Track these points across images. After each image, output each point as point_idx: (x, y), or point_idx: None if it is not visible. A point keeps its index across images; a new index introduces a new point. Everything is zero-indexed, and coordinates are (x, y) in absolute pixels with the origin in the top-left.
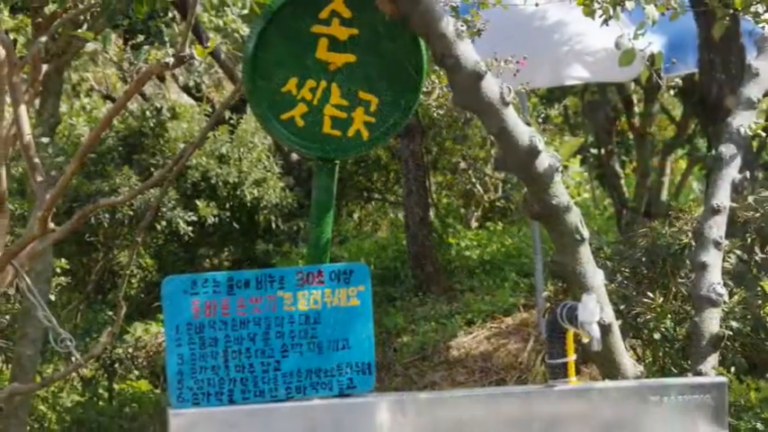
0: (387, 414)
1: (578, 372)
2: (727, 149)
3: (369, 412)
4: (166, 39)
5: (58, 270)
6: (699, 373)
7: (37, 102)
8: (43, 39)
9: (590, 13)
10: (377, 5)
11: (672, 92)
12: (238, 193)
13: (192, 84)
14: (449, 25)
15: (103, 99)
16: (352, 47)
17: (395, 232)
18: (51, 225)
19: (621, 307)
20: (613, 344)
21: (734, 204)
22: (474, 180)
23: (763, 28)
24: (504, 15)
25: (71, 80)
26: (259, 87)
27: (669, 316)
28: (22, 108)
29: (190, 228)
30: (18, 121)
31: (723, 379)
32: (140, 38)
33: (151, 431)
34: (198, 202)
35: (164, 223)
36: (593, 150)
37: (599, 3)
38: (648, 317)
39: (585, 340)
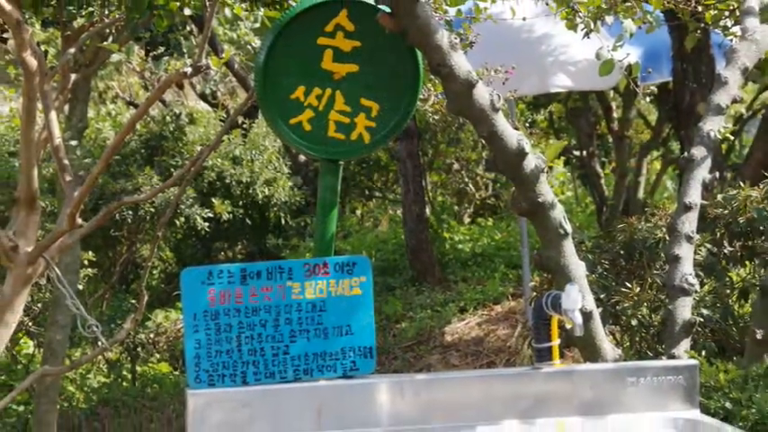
0: (387, 394)
1: (562, 355)
2: (698, 151)
3: (370, 392)
4: (185, 50)
5: (86, 262)
6: (672, 357)
7: (66, 108)
8: (72, 50)
9: (573, 26)
10: (378, 20)
11: (648, 99)
12: (251, 191)
13: (208, 91)
14: (443, 38)
15: (127, 105)
16: (354, 58)
17: (394, 227)
18: (79, 221)
19: (602, 296)
20: (594, 329)
21: (704, 202)
22: (466, 179)
23: (731, 40)
24: (494, 29)
25: (98, 88)
26: (269, 95)
27: (645, 304)
28: (53, 114)
29: (206, 223)
30: (49, 125)
31: (695, 362)
32: (161, 49)
33: (171, 410)
34: (214, 200)
35: (182, 219)
36: (576, 152)
37: (581, 17)
38: (626, 305)
39: (569, 326)
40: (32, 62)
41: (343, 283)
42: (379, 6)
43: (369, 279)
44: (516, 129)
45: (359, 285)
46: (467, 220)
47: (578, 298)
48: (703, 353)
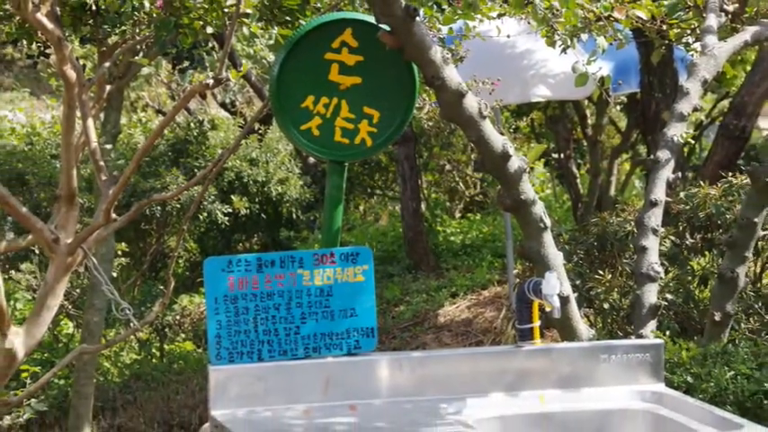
0: (386, 369)
1: (542, 335)
2: (663, 154)
3: (372, 368)
4: (207, 64)
5: (119, 252)
6: (640, 336)
7: (102, 115)
8: (107, 64)
9: (552, 43)
10: (379, 38)
11: (618, 107)
12: (266, 189)
13: (228, 101)
14: (437, 53)
15: (156, 113)
16: (358, 71)
17: (393, 221)
18: (113, 215)
19: (577, 282)
20: (571, 312)
21: (668, 199)
22: (457, 179)
23: (692, 55)
24: (482, 45)
25: (130, 98)
26: (283, 104)
27: (616, 290)
28: (90, 121)
29: (226, 218)
30: (86, 131)
31: (660, 341)
32: (186, 64)
33: (194, 383)
34: (233, 197)
35: (205, 214)
36: (555, 155)
37: (559, 35)
38: (599, 290)
39: (548, 309)
40: (72, 75)
41: (348, 270)
42: (380, 25)
43: (370, 267)
44: (502, 134)
45: (362, 273)
46: (458, 215)
47: (557, 284)
48: (667, 333)
